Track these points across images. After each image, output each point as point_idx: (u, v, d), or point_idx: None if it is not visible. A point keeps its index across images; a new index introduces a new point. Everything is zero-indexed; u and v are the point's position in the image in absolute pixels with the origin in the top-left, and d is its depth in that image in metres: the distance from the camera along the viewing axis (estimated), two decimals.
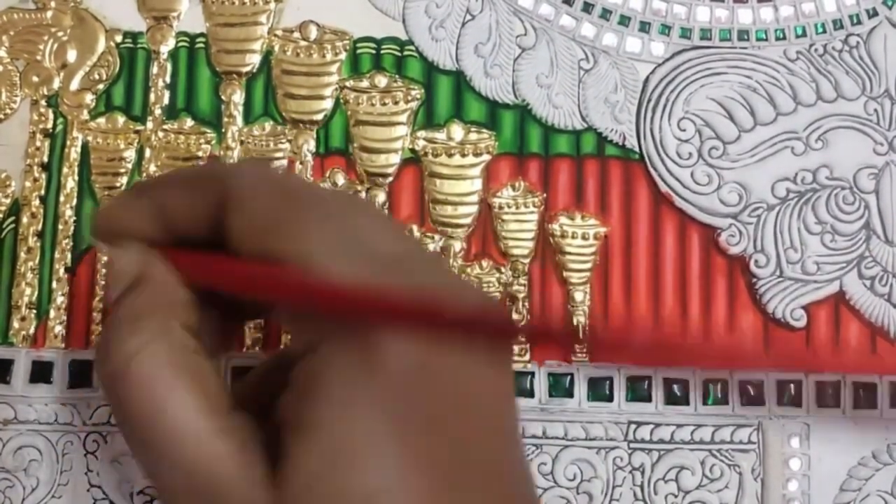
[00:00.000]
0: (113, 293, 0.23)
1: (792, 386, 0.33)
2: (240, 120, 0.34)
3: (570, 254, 0.33)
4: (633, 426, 0.32)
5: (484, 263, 0.33)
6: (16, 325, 0.32)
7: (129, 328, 0.21)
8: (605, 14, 0.35)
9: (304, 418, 0.20)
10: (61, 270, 0.33)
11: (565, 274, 0.33)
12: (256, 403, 0.22)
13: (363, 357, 0.19)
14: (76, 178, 0.33)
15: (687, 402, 0.33)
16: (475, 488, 0.20)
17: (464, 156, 0.34)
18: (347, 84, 0.34)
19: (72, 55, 0.34)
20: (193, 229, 0.22)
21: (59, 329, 0.32)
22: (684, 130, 0.34)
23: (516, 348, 0.33)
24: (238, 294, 0.22)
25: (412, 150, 0.34)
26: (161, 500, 0.23)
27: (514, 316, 0.18)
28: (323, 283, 0.19)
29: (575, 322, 0.33)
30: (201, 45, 0.34)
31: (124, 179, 0.33)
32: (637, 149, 0.34)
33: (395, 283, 0.20)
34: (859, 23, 0.35)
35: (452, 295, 0.21)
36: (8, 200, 0.33)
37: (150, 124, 0.34)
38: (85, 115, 0.34)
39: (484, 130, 0.34)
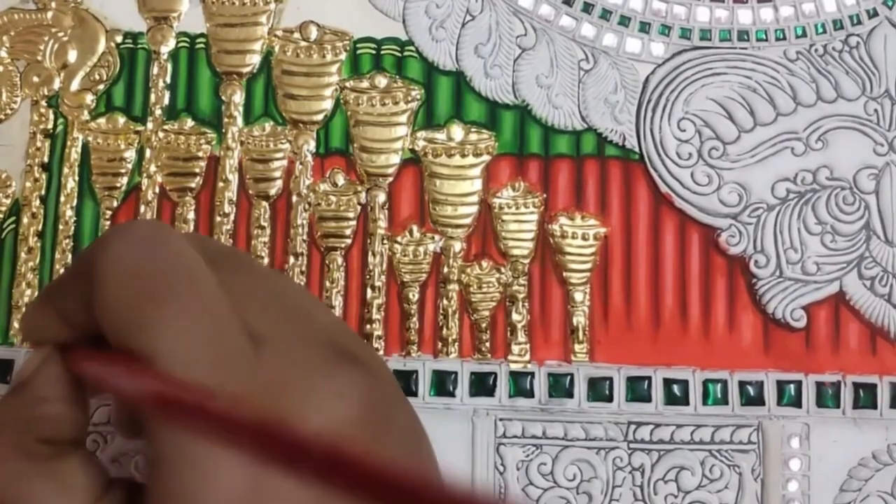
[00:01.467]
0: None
1: (792, 386, 0.33)
2: (240, 120, 0.34)
3: (569, 254, 0.33)
4: (632, 426, 0.32)
5: (484, 263, 0.33)
6: (16, 325, 0.32)
7: None
8: (605, 14, 0.35)
9: None
10: (62, 270, 0.33)
11: (565, 274, 0.33)
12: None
13: (193, 486, 0.19)
14: (76, 178, 0.33)
15: (687, 403, 0.33)
16: None
17: (464, 156, 0.34)
18: (347, 84, 0.34)
19: (72, 55, 0.34)
20: (91, 327, 0.21)
21: None
22: (684, 131, 0.34)
23: (516, 349, 0.33)
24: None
25: (412, 151, 0.34)
26: None
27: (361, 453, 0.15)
28: (158, 389, 0.19)
29: (575, 322, 0.33)
30: (202, 45, 0.34)
31: (124, 180, 0.33)
32: (637, 149, 0.34)
33: (241, 378, 0.20)
34: (859, 23, 0.35)
35: (310, 401, 0.20)
36: (8, 200, 0.33)
37: (150, 125, 0.34)
38: (85, 116, 0.34)
39: (484, 131, 0.34)
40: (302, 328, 0.22)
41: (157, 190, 0.33)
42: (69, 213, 0.33)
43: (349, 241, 0.33)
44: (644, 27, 0.35)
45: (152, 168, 0.33)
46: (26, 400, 0.23)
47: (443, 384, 0.32)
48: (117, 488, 0.23)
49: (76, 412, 0.23)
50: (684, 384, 0.33)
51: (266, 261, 0.33)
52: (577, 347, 0.33)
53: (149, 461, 0.21)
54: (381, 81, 0.34)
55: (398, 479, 0.14)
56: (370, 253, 0.33)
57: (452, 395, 0.32)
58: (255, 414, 0.17)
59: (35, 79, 0.34)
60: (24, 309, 0.27)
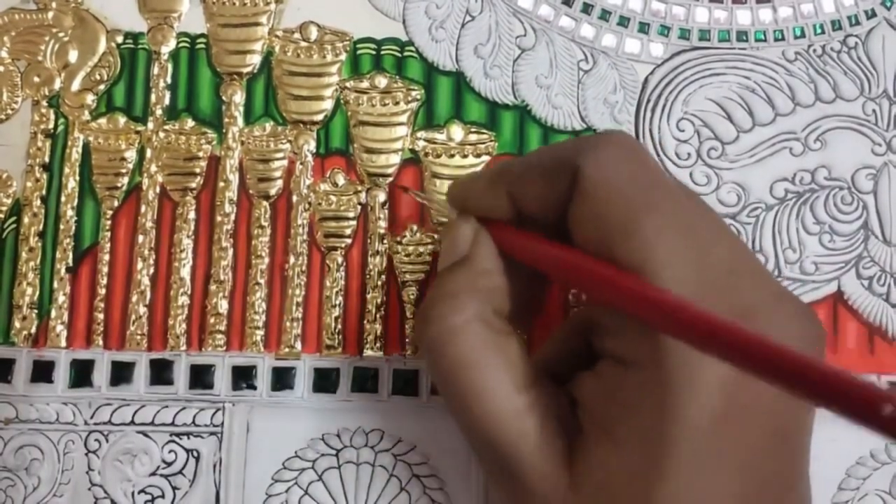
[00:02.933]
0: (441, 262, 0.25)
1: None
2: (240, 120, 0.34)
3: None
4: None
5: None
6: (17, 324, 0.32)
7: (450, 304, 0.23)
8: (605, 15, 0.35)
9: (609, 428, 0.21)
10: (62, 270, 0.33)
11: None
12: (554, 367, 0.25)
13: (677, 390, 0.20)
14: (77, 178, 0.33)
15: None
16: None
17: (464, 156, 0.34)
18: (348, 84, 0.34)
19: (73, 56, 0.34)
20: (541, 215, 0.23)
21: (60, 328, 0.32)
22: (683, 131, 0.34)
23: None
24: (560, 281, 0.24)
25: (412, 151, 0.34)
26: (473, 451, 0.25)
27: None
28: (652, 297, 0.19)
29: None
30: (202, 45, 0.34)
31: (125, 180, 0.34)
32: None
33: (722, 302, 0.20)
34: (858, 24, 0.35)
35: (774, 323, 0.21)
36: (9, 200, 0.33)
37: (151, 125, 0.34)
38: (86, 116, 0.34)
39: (484, 131, 0.34)
40: (753, 261, 0.23)
41: (157, 190, 0.33)
42: (70, 212, 0.33)
43: (349, 240, 0.33)
44: (643, 28, 0.35)
45: (153, 168, 0.34)
46: (474, 272, 0.24)
47: None
48: (544, 382, 0.24)
49: (513, 286, 0.24)
50: None
51: (266, 261, 0.33)
52: None
53: (619, 360, 0.21)
54: (381, 81, 0.34)
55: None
56: (370, 253, 0.33)
57: None
58: (734, 325, 0.18)
59: (36, 79, 0.34)
60: (460, 178, 0.27)
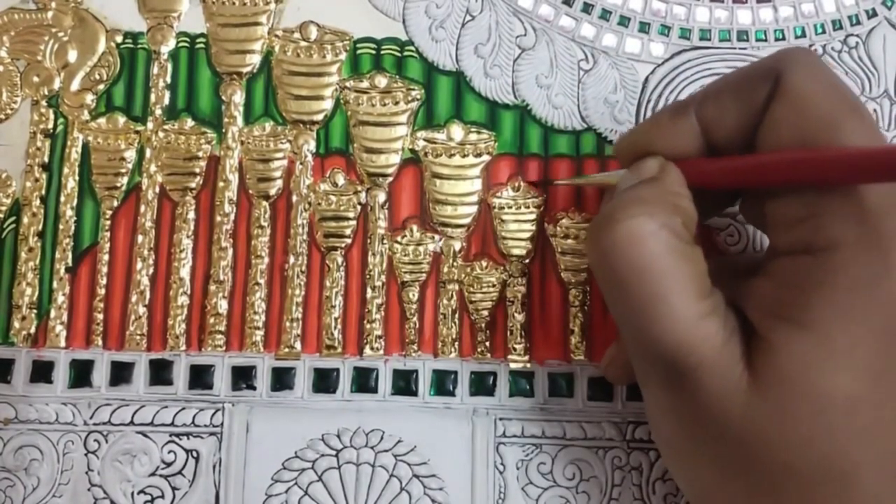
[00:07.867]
0: (622, 185, 0.26)
1: None
2: (240, 120, 0.34)
3: (569, 254, 0.33)
4: (631, 426, 0.32)
5: (484, 263, 0.33)
6: (17, 324, 0.32)
7: (641, 208, 0.23)
8: (605, 14, 0.35)
9: (793, 315, 0.22)
10: (62, 270, 0.33)
11: (565, 274, 0.33)
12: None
13: (876, 271, 0.21)
14: (77, 178, 0.33)
15: None
16: None
17: (464, 156, 0.34)
18: (348, 84, 0.34)
19: (72, 55, 0.34)
20: (727, 137, 0.24)
21: (59, 329, 0.32)
22: None
23: (516, 348, 0.33)
24: (740, 187, 0.27)
25: (412, 151, 0.34)
26: (635, 363, 0.26)
27: None
28: (880, 151, 0.21)
29: (574, 322, 0.33)
30: (202, 45, 0.34)
31: (125, 179, 0.33)
32: None
33: None
34: (858, 23, 0.35)
35: None
36: (9, 200, 0.33)
37: (150, 124, 0.34)
38: (85, 116, 0.34)
39: (484, 131, 0.34)
40: None
41: (157, 190, 0.33)
42: (69, 212, 0.33)
43: (349, 240, 0.33)
44: (644, 27, 0.35)
45: (152, 168, 0.34)
46: (663, 188, 0.25)
47: (443, 384, 0.32)
48: (716, 290, 0.24)
49: (696, 216, 0.25)
50: None
51: (266, 261, 0.33)
52: (576, 347, 0.33)
53: (807, 249, 0.23)
54: (381, 81, 0.34)
55: None
56: (370, 253, 0.33)
57: (452, 394, 0.32)
58: None
59: (35, 79, 0.34)
60: (623, 136, 0.28)
